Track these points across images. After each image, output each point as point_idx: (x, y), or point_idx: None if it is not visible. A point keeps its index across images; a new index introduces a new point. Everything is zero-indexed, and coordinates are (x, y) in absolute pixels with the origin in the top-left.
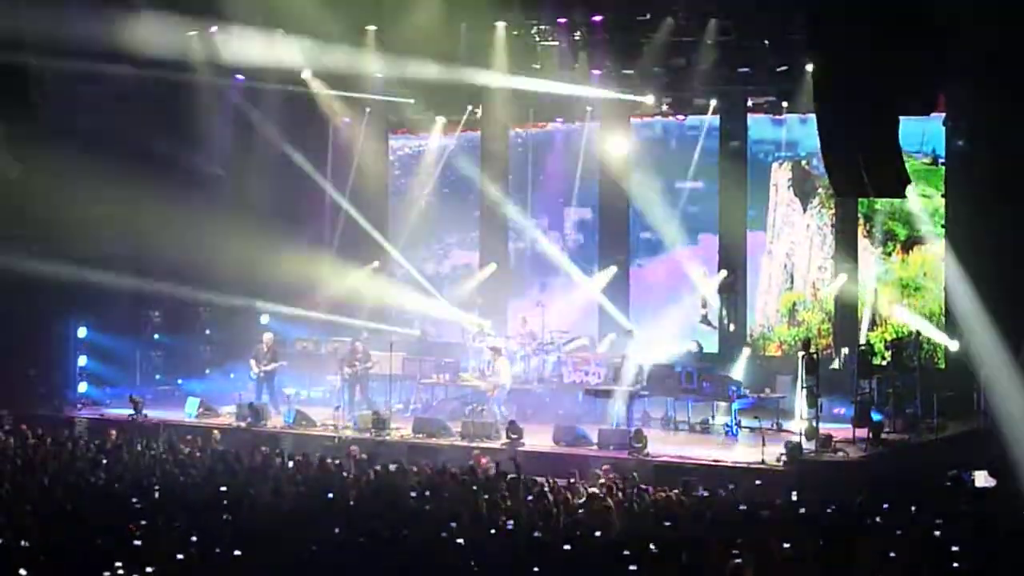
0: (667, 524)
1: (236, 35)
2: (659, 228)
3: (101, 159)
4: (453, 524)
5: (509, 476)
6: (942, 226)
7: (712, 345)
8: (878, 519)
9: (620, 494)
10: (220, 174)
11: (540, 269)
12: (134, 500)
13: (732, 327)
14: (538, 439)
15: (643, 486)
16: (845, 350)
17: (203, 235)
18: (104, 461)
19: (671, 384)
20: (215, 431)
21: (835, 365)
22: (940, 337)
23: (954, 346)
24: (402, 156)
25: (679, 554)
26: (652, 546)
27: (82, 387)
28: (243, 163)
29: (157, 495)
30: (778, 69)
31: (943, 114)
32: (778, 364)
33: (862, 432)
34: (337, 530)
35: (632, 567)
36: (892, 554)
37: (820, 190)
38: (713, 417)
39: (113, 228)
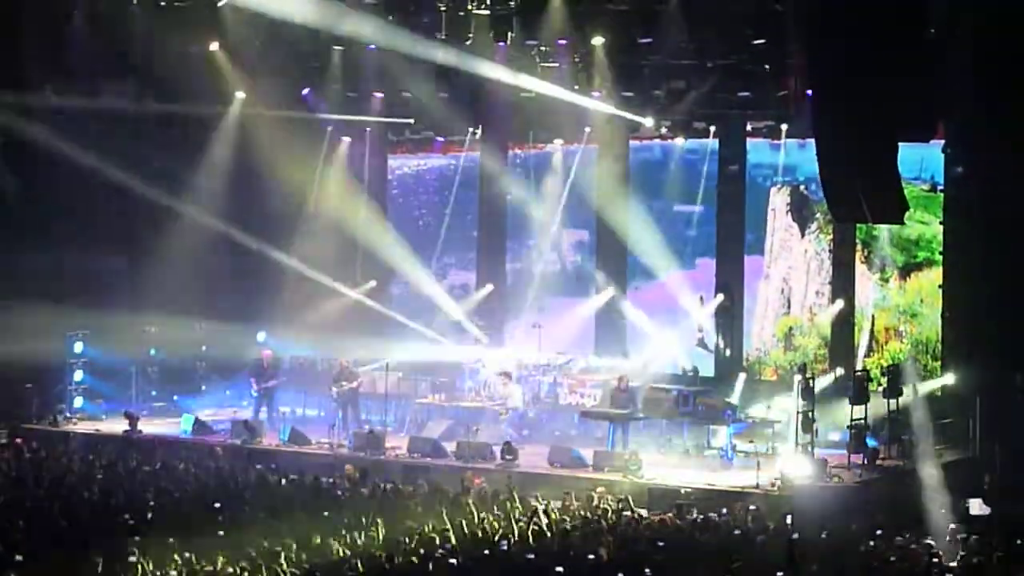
0: (661, 547)
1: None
2: (656, 252)
3: (98, 174)
4: (448, 545)
5: (502, 497)
6: (940, 253)
7: (708, 369)
8: (872, 544)
9: (614, 516)
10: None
11: (537, 290)
12: (127, 516)
13: (728, 351)
14: (533, 460)
15: (637, 509)
16: (840, 371)
17: (198, 249)
18: (99, 476)
19: (667, 407)
20: (217, 448)
21: (830, 391)
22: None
23: (948, 380)
24: (401, 176)
25: None
26: (647, 570)
27: (78, 402)
28: (240, 181)
29: (151, 511)
30: (778, 94)
31: (942, 141)
32: (774, 388)
33: (857, 458)
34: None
35: None
36: None
37: (818, 215)
38: (708, 441)
39: (110, 241)
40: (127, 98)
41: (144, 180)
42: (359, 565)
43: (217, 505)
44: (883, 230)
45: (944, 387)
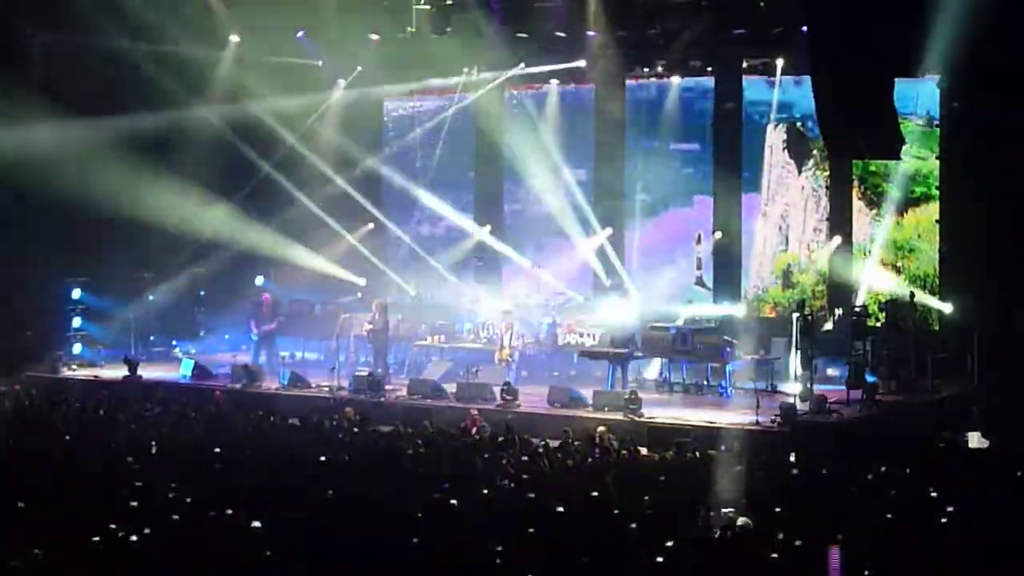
0: (660, 484)
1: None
2: (654, 190)
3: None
4: (446, 485)
5: (501, 438)
6: (936, 188)
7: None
8: (871, 478)
9: (615, 456)
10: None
11: (535, 230)
12: (130, 460)
13: (726, 289)
14: (533, 401)
15: (637, 448)
16: (839, 311)
17: (194, 196)
18: (99, 422)
19: (665, 346)
20: (217, 392)
21: (829, 327)
22: (932, 301)
23: (947, 308)
24: (396, 117)
25: (674, 514)
26: (647, 508)
27: (76, 348)
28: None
29: (152, 457)
30: (773, 31)
31: (938, 76)
32: (772, 326)
33: (856, 394)
34: (331, 492)
35: (626, 527)
36: (888, 515)
37: (815, 152)
38: (707, 379)
39: (110, 190)
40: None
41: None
42: (357, 507)
43: (218, 450)
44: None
45: (941, 320)
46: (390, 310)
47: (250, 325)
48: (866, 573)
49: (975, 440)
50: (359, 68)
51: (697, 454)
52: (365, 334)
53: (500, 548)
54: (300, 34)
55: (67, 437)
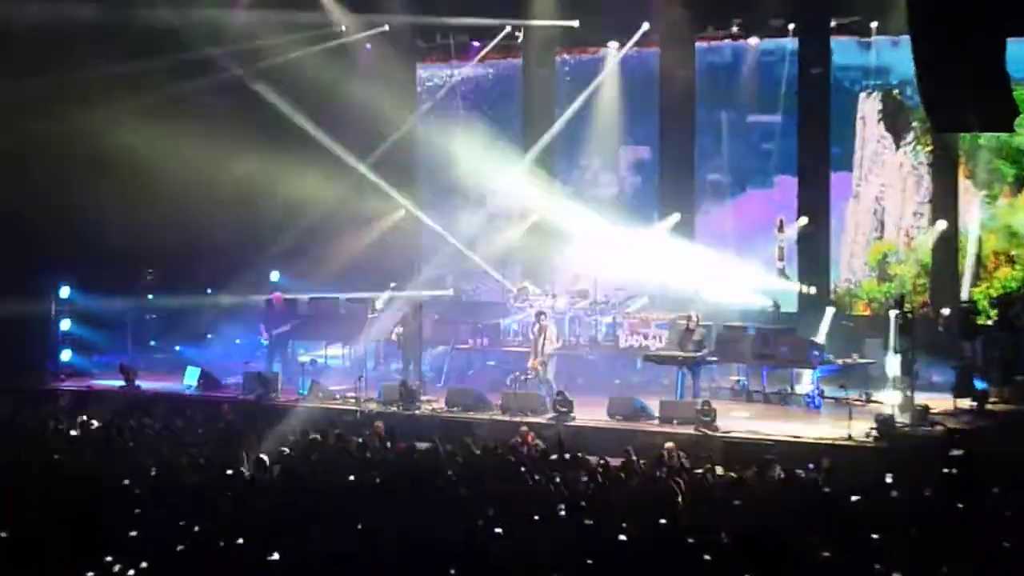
0: (739, 509)
1: None
2: (728, 170)
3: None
4: (491, 512)
5: (555, 456)
6: None
7: (790, 303)
8: (983, 501)
9: (685, 476)
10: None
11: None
12: (127, 484)
13: (813, 283)
14: (590, 412)
15: (712, 466)
16: (944, 309)
17: (204, 175)
18: (92, 440)
19: (744, 349)
20: (224, 404)
21: (932, 326)
22: None
23: None
24: (432, 88)
25: (754, 545)
26: (723, 535)
27: (66, 355)
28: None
29: (153, 479)
30: None
31: None
32: (866, 325)
33: (964, 402)
34: (359, 520)
35: (700, 559)
36: (1005, 544)
37: (915, 124)
38: (792, 386)
39: (103, 170)
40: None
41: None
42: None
43: (228, 472)
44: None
45: None
46: (425, 309)
47: (259, 328)
48: None
49: None
50: (386, 26)
51: (781, 474)
52: (395, 338)
53: None
54: None
55: (55, 457)
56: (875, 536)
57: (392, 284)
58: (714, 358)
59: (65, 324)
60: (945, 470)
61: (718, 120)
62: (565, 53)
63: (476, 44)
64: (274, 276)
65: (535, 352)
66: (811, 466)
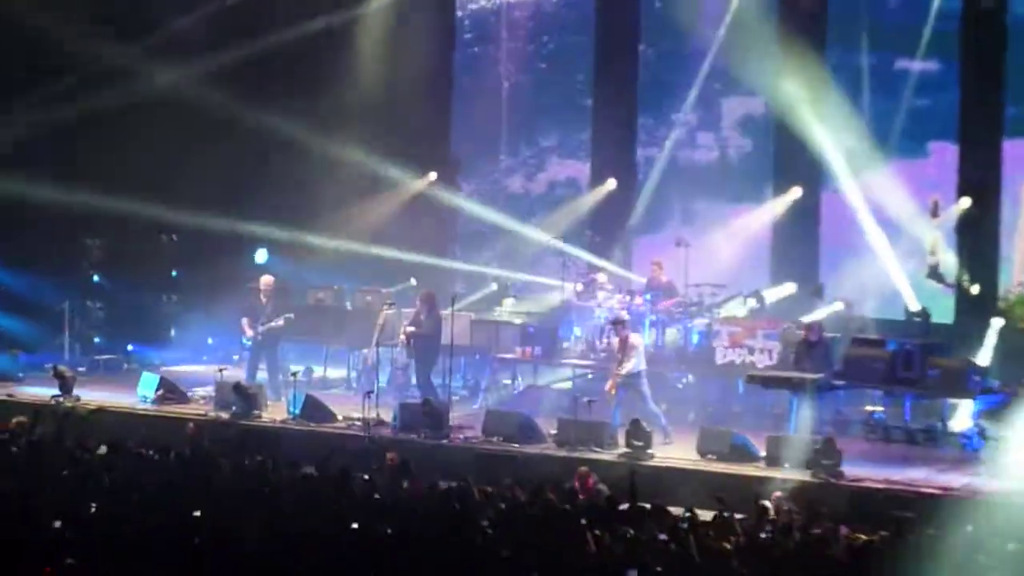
0: None
1: None
2: (865, 133)
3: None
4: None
5: (625, 505)
6: None
7: (945, 313)
8: None
9: (799, 534)
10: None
11: (681, 188)
12: (57, 527)
13: (976, 286)
14: (674, 449)
15: (834, 525)
16: None
17: (170, 127)
18: (12, 468)
19: (880, 370)
20: (190, 423)
21: None
22: None
23: None
24: (475, 14)
25: None
26: None
27: None
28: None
29: (93, 519)
30: None
31: None
32: None
33: None
34: None
35: None
36: None
37: None
38: (944, 422)
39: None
40: None
41: None
42: None
43: (196, 514)
44: None
45: None
46: (459, 307)
47: (242, 324)
48: None
49: None
50: None
51: (927, 535)
52: (402, 339)
53: None
54: None
55: None
56: None
57: (412, 280)
58: (841, 382)
59: None
60: None
61: (855, 66)
62: None
63: None
64: (260, 256)
65: (617, 369)
66: (968, 528)
